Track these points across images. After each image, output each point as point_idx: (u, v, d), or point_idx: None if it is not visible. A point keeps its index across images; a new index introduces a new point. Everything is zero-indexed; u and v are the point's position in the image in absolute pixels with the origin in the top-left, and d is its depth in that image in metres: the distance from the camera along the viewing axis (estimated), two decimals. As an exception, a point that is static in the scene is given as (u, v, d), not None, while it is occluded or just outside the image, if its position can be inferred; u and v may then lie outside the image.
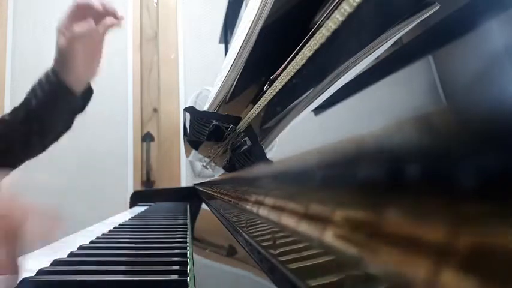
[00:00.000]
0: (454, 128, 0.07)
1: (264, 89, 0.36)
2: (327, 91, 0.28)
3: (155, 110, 1.98)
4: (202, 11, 1.99)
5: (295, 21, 0.31)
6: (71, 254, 0.43)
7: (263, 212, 0.20)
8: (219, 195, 0.47)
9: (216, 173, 0.86)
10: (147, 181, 1.90)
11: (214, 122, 0.53)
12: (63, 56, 0.75)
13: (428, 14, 0.19)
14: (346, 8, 0.21)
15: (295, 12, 0.32)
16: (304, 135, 0.35)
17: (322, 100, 0.29)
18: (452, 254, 0.06)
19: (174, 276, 0.33)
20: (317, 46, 0.25)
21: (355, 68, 0.24)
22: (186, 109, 0.64)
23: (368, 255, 0.09)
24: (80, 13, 0.78)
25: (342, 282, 0.11)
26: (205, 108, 0.57)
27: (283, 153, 0.41)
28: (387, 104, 0.24)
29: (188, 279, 0.32)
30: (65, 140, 1.91)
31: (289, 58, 0.29)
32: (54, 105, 0.77)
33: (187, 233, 0.57)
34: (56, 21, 0.87)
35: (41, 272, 0.34)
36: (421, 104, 0.20)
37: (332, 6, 0.23)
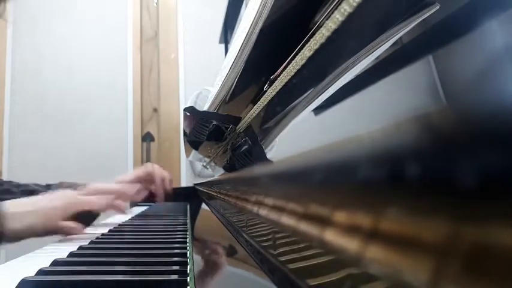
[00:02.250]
0: (454, 128, 0.07)
1: (264, 89, 0.36)
2: (327, 91, 0.28)
3: (155, 110, 1.98)
4: (202, 11, 1.99)
5: (295, 21, 0.31)
6: (71, 254, 0.43)
7: (263, 212, 0.20)
8: (219, 195, 0.47)
9: (216, 173, 0.86)
10: (147, 181, 1.90)
11: (214, 122, 0.53)
12: (29, 233, 0.60)
13: (428, 14, 0.19)
14: (346, 8, 0.21)
15: (295, 12, 0.32)
16: (304, 135, 0.35)
17: (322, 100, 0.29)
18: (453, 254, 0.06)
19: (174, 276, 0.33)
20: (317, 46, 0.25)
21: (355, 68, 0.24)
22: (186, 109, 0.64)
23: (368, 255, 0.09)
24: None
25: (342, 282, 0.11)
26: (205, 108, 0.57)
27: (283, 153, 0.41)
28: (387, 104, 0.24)
29: (188, 279, 0.32)
30: (65, 140, 1.91)
31: (289, 58, 0.29)
32: None
33: (187, 233, 0.57)
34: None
35: (40, 272, 0.34)
36: (421, 104, 0.20)
37: (332, 6, 0.23)
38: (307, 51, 0.26)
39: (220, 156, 0.65)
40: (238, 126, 0.47)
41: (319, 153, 0.13)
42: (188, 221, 0.72)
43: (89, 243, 0.50)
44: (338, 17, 0.22)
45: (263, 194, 0.21)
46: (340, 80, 0.26)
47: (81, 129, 1.92)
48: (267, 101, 0.35)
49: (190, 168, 1.87)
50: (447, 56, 0.19)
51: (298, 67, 0.28)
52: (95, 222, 0.80)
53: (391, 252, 0.08)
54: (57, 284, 0.32)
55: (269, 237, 0.19)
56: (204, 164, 0.89)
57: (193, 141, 0.74)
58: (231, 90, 0.45)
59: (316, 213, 0.13)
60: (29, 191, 0.81)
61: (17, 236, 0.57)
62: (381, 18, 0.22)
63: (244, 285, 0.28)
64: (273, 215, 0.18)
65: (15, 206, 0.58)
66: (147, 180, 0.93)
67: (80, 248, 0.47)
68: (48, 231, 0.62)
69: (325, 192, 0.12)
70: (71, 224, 0.65)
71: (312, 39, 0.25)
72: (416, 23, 0.20)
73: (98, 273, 0.34)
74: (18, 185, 0.83)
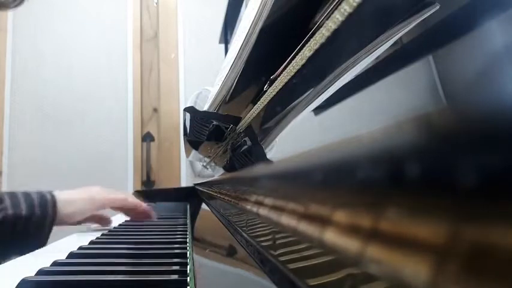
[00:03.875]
0: (454, 128, 0.07)
1: (264, 89, 0.36)
2: (327, 91, 0.28)
3: (155, 110, 1.98)
4: (202, 11, 1.99)
5: (295, 21, 0.31)
6: (71, 254, 0.43)
7: (263, 212, 0.20)
8: (219, 195, 0.47)
9: (216, 173, 0.86)
10: (147, 181, 1.90)
11: (214, 122, 0.53)
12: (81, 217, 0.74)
13: (428, 14, 0.19)
14: (346, 8, 0.21)
15: (295, 12, 0.32)
16: (304, 135, 0.35)
17: (322, 100, 0.29)
18: (453, 254, 0.06)
19: (174, 276, 0.33)
20: (317, 46, 0.25)
21: (355, 68, 0.24)
22: (186, 109, 0.64)
23: (368, 255, 0.09)
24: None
25: (342, 282, 0.11)
26: (205, 108, 0.57)
27: (283, 153, 0.41)
28: (387, 104, 0.24)
29: (188, 279, 0.32)
30: (65, 140, 1.91)
31: (289, 58, 0.29)
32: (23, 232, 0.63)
33: (187, 233, 0.57)
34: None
35: (40, 272, 0.34)
36: (421, 104, 0.20)
37: (332, 6, 0.23)
38: (307, 51, 0.26)
39: (220, 156, 0.65)
40: (238, 126, 0.47)
41: (319, 153, 0.13)
42: (188, 221, 0.72)
43: (89, 243, 0.50)
44: (338, 17, 0.22)
45: (263, 194, 0.21)
46: (340, 80, 0.26)
47: (81, 129, 1.92)
48: (267, 101, 0.35)
49: (190, 168, 1.87)
50: (447, 56, 0.19)
51: (298, 67, 0.28)
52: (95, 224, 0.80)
53: (391, 253, 0.08)
54: (57, 284, 0.32)
55: (269, 237, 0.19)
56: (204, 164, 0.89)
57: (193, 141, 0.74)
58: (231, 90, 0.45)
59: (316, 214, 0.13)
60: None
61: (68, 220, 0.69)
62: (380, 18, 0.22)
63: (244, 285, 0.28)
64: (273, 215, 0.18)
65: (65, 194, 0.70)
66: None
67: (80, 248, 0.47)
68: (89, 217, 0.75)
69: (325, 192, 0.12)
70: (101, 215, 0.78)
71: (312, 39, 0.25)
72: (416, 23, 0.20)
73: (98, 273, 0.34)
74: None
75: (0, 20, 1.93)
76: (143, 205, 0.82)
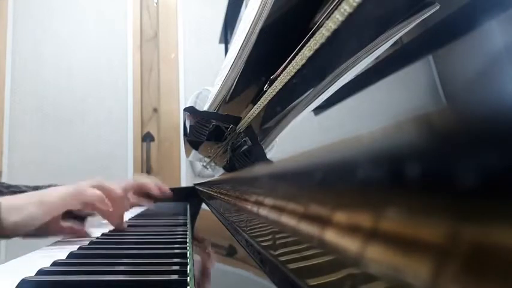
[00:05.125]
0: (454, 128, 0.07)
1: (264, 89, 0.36)
2: (327, 91, 0.28)
3: (155, 110, 1.98)
4: (202, 11, 2.00)
5: (295, 21, 0.31)
6: (71, 254, 0.43)
7: (263, 212, 0.20)
8: (219, 195, 0.47)
9: (216, 173, 0.86)
10: (147, 181, 1.90)
11: (214, 122, 0.53)
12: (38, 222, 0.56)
13: (428, 14, 0.19)
14: (346, 8, 0.21)
15: (295, 12, 0.32)
16: (304, 135, 0.35)
17: (322, 100, 0.29)
18: (453, 254, 0.06)
19: (174, 276, 0.33)
20: (317, 46, 0.25)
21: (355, 68, 0.24)
22: (186, 109, 0.64)
23: (368, 255, 0.09)
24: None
25: (342, 282, 0.11)
26: (205, 108, 0.57)
27: (283, 153, 0.41)
28: (387, 104, 0.24)
29: (188, 279, 0.32)
30: (65, 140, 1.91)
31: (289, 58, 0.29)
32: None
33: (187, 233, 0.57)
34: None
35: (40, 272, 0.34)
36: (421, 104, 0.20)
37: (332, 6, 0.23)
38: (307, 51, 0.26)
39: (220, 156, 0.65)
40: (238, 126, 0.47)
41: (319, 153, 0.13)
42: (188, 221, 0.72)
43: (89, 244, 0.50)
44: (338, 17, 0.22)
45: (263, 194, 0.21)
46: (340, 80, 0.26)
47: (81, 129, 1.92)
48: (267, 101, 0.35)
49: (190, 168, 1.87)
50: (447, 56, 0.19)
51: (298, 67, 0.28)
52: (96, 222, 0.80)
53: (391, 253, 0.08)
54: (57, 284, 0.32)
55: (269, 237, 0.19)
56: (204, 164, 0.89)
57: (193, 141, 0.74)
58: (231, 90, 0.45)
59: (316, 213, 0.13)
60: (19, 191, 0.81)
61: (17, 229, 0.55)
62: (381, 18, 0.22)
63: (244, 286, 0.28)
64: (273, 215, 0.18)
65: (10, 199, 0.55)
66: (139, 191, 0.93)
67: (80, 248, 0.47)
68: (50, 228, 0.61)
69: (325, 192, 0.12)
70: (74, 225, 0.65)
71: (312, 39, 0.25)
72: (416, 23, 0.20)
73: (98, 274, 0.34)
74: (9, 186, 0.83)
75: (0, 20, 1.93)
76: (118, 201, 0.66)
